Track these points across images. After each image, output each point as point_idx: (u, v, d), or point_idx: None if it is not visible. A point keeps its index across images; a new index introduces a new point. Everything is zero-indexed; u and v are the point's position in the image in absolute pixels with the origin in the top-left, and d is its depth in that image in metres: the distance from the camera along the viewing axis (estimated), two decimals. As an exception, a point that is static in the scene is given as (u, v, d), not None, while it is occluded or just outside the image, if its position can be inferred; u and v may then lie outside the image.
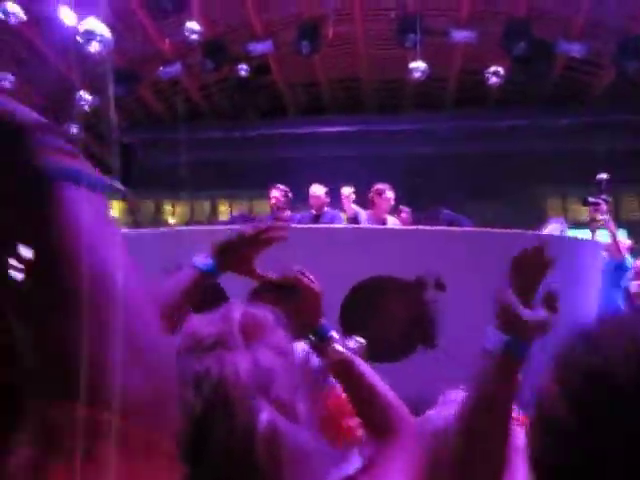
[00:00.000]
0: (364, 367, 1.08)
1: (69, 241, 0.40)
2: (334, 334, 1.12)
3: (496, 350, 0.92)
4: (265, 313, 0.71)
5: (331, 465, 1.14)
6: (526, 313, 0.95)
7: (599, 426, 0.54)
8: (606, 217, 4.69)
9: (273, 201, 5.26)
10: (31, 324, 0.40)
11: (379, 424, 1.03)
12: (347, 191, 5.21)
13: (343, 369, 1.07)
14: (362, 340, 1.18)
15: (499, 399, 0.93)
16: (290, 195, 5.30)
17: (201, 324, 0.67)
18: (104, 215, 0.44)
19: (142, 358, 0.40)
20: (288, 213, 5.22)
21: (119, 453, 0.36)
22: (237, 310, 0.69)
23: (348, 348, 1.10)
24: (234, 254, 1.20)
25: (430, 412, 1.22)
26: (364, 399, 1.05)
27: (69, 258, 0.40)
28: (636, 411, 0.52)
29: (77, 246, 0.40)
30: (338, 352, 1.08)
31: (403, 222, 5.38)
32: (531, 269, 1.04)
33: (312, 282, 1.15)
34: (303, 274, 1.16)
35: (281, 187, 5.29)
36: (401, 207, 5.72)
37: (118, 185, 9.24)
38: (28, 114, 0.46)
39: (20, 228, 0.42)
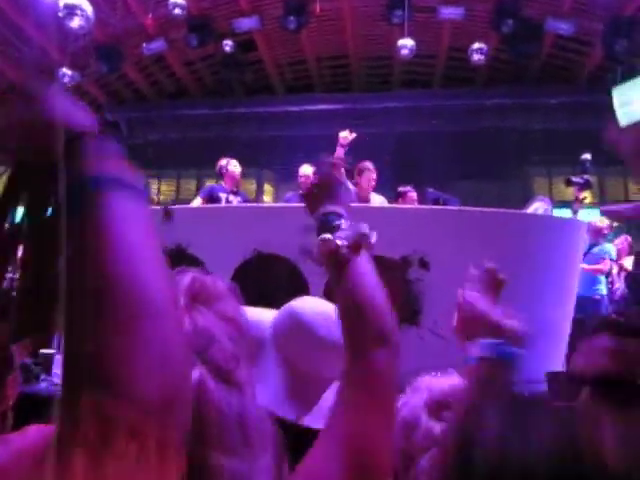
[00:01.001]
0: (364, 270, 0.90)
1: (103, 248, 0.43)
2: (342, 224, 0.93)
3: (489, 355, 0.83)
4: (216, 281, 0.71)
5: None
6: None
7: None
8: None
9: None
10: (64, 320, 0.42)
11: (360, 340, 0.84)
12: (345, 134, 4.75)
13: (336, 265, 0.90)
14: (365, 229, 0.94)
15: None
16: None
17: None
18: (143, 223, 0.46)
19: (165, 362, 0.42)
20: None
21: (133, 449, 0.38)
22: (188, 276, 0.69)
23: (347, 237, 0.91)
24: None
25: (400, 400, 1.08)
26: (350, 307, 0.86)
27: (99, 265, 0.42)
28: None
29: (109, 255, 0.43)
30: (331, 242, 0.89)
31: (411, 202, 5.19)
32: None
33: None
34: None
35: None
36: (402, 189, 5.26)
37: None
38: (81, 116, 0.50)
39: (62, 230, 0.44)
